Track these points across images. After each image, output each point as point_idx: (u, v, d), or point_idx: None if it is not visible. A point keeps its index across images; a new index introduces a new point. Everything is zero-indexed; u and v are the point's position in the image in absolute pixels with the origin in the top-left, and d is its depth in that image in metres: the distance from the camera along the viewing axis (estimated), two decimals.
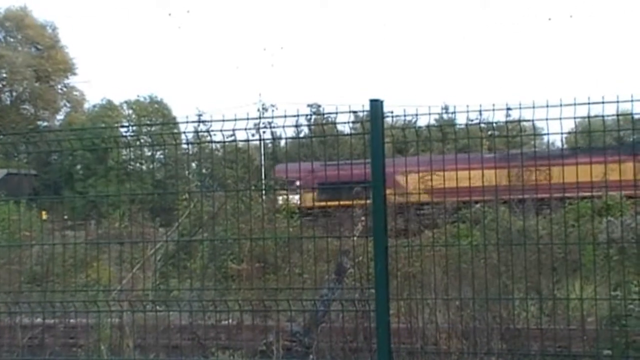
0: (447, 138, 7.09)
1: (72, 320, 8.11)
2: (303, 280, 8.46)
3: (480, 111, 6.09)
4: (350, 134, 6.16)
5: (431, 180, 7.25)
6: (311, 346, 8.34)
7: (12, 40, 65.32)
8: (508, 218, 9.91)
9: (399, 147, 7.37)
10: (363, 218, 9.44)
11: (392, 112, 5.94)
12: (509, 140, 7.15)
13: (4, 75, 62.43)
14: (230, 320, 8.40)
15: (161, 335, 7.45)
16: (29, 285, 8.50)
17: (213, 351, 8.51)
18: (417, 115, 6.16)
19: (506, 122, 6.58)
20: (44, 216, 13.81)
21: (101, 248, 8.12)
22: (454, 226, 9.22)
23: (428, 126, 6.31)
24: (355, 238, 7.76)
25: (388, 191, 5.63)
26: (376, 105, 5.56)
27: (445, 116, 13.53)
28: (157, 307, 6.72)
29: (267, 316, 7.22)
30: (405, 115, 6.38)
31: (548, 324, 7.47)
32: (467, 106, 6.06)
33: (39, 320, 8.13)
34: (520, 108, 5.83)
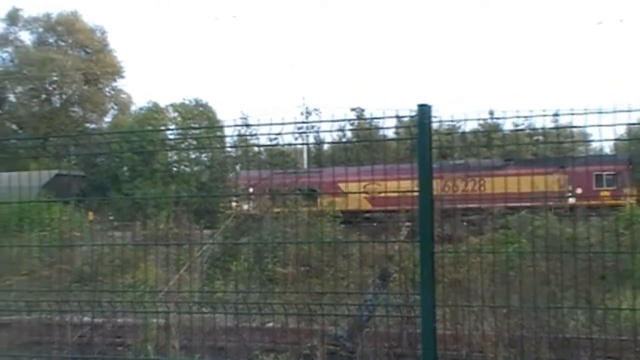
0: (492, 144, 7.03)
1: (119, 320, 8.20)
2: (347, 285, 8.43)
3: (526, 117, 6.02)
4: (397, 139, 6.13)
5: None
6: (355, 351, 8.31)
7: (62, 44, 66.49)
8: (556, 225, 9.77)
9: (443, 152, 7.32)
10: (408, 223, 9.38)
11: (438, 117, 5.90)
12: (561, 146, 7.09)
13: (55, 78, 63.53)
14: (274, 323, 8.42)
15: (206, 337, 7.49)
16: (77, 284, 8.61)
17: (257, 354, 8.53)
18: (466, 120, 6.10)
19: (557, 127, 6.49)
20: (91, 217, 14.01)
21: (147, 249, 8.21)
22: (498, 233, 9.14)
23: (477, 132, 6.28)
24: (399, 243, 7.71)
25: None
26: (424, 109, 5.50)
27: (487, 121, 13.44)
28: (203, 309, 6.75)
29: (312, 320, 7.21)
30: (455, 121, 6.33)
31: (598, 333, 7.34)
32: (518, 111, 5.98)
33: (86, 319, 8.23)
34: (572, 114, 5.73)
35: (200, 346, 7.63)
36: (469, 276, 6.89)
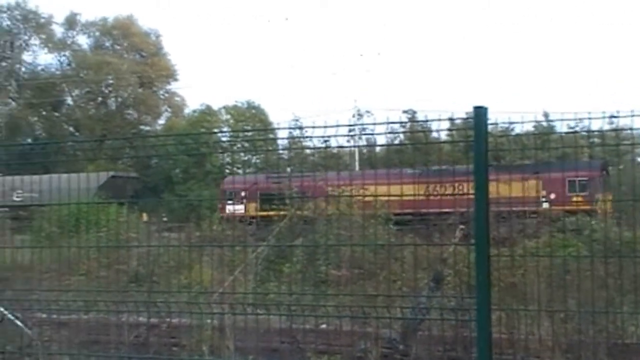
0: (545, 146, 6.93)
1: (174, 321, 8.28)
2: (399, 287, 8.38)
3: (580, 119, 5.93)
4: (452, 142, 6.08)
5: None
6: (408, 354, 8.26)
7: (118, 47, 67.64)
8: (613, 229, 9.58)
9: (495, 154, 7.25)
10: (462, 226, 9.30)
11: (494, 119, 5.83)
12: (618, 149, 6.97)
13: (111, 81, 64.64)
14: (327, 325, 8.42)
15: (260, 338, 7.52)
16: (133, 284, 8.73)
17: (309, 355, 8.53)
18: (523, 122, 6.02)
19: (615, 130, 6.37)
20: (145, 218, 14.20)
21: (201, 250, 8.28)
22: (552, 236, 9.00)
23: (534, 135, 6.19)
24: (453, 246, 7.65)
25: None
26: (480, 112, 5.44)
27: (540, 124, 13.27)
28: (257, 310, 6.78)
29: (366, 323, 7.19)
30: (510, 123, 6.26)
31: None
32: (575, 114, 5.89)
33: (141, 319, 8.33)
34: (632, 116, 5.61)
35: (254, 347, 7.67)
36: (525, 280, 6.79)
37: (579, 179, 21.46)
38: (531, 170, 7.21)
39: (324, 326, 8.14)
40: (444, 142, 6.38)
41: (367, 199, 8.22)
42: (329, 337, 8.47)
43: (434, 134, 6.63)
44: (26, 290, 7.16)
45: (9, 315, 6.54)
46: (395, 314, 6.67)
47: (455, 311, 6.45)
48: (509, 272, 7.09)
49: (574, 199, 22.40)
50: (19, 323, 6.50)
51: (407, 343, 8.32)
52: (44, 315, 7.42)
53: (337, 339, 8.24)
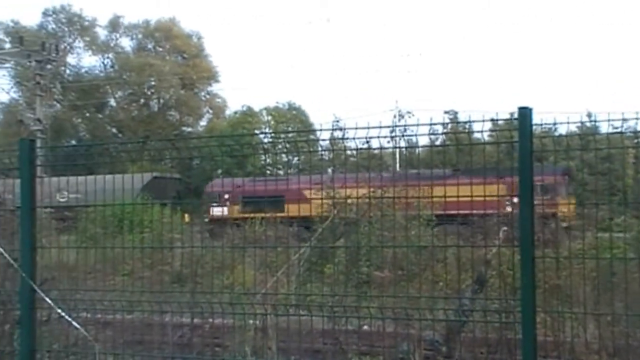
0: (588, 147, 6.84)
1: (217, 321, 8.33)
2: (439, 289, 8.33)
3: (626, 119, 5.83)
4: (496, 142, 6.02)
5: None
6: (451, 356, 8.20)
7: (160, 49, 68.38)
8: None
9: (539, 155, 7.17)
10: (505, 228, 9.22)
11: (539, 120, 5.76)
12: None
13: (153, 83, 65.35)
14: (368, 327, 8.38)
15: (303, 339, 7.52)
16: (175, 285, 8.80)
17: (351, 357, 8.52)
18: (567, 123, 5.93)
19: None
20: (187, 219, 14.31)
21: (242, 251, 8.31)
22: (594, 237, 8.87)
23: (578, 135, 6.10)
24: (496, 247, 7.57)
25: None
26: (525, 112, 5.38)
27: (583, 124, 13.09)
28: (300, 311, 6.78)
29: (409, 324, 7.15)
30: (554, 123, 6.17)
31: None
32: (622, 114, 5.79)
33: (184, 319, 8.39)
34: None
35: (296, 348, 7.68)
36: (570, 282, 6.69)
37: (540, 184, 22.13)
38: (497, 175, 7.49)
39: (365, 327, 8.12)
40: (488, 143, 6.32)
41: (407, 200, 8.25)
42: (371, 338, 8.45)
43: (476, 135, 6.58)
44: (71, 289, 7.27)
45: (64, 315, 6.63)
46: (437, 316, 6.62)
47: (499, 313, 6.39)
48: (553, 274, 6.99)
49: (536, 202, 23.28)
50: (74, 323, 6.59)
51: (449, 345, 8.26)
52: (88, 315, 7.51)
53: (379, 340, 8.21)
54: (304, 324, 7.07)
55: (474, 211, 6.66)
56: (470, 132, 7.06)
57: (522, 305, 5.39)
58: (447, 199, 6.52)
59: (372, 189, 8.39)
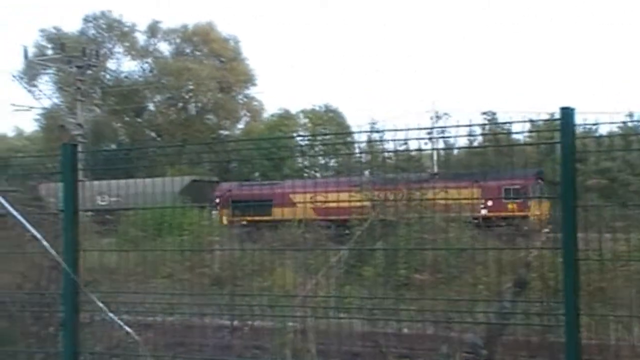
0: (633, 147, 6.72)
1: (256, 323, 8.35)
2: (479, 291, 8.25)
3: None
4: (540, 143, 5.95)
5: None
6: (491, 359, 8.11)
7: (198, 53, 68.87)
8: None
9: (581, 156, 7.07)
10: (547, 229, 9.11)
11: (581, 121, 5.68)
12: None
13: (191, 87, 65.85)
14: (409, 329, 8.34)
15: (342, 342, 7.51)
16: (214, 287, 8.84)
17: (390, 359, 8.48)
18: (610, 123, 5.85)
19: None
20: (225, 221, 14.38)
21: (281, 254, 8.33)
22: None
23: (620, 135, 6.01)
24: (535, 250, 7.49)
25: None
26: (567, 113, 5.30)
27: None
28: (340, 314, 6.77)
29: (448, 327, 7.10)
30: (595, 124, 6.09)
31: None
32: None
33: (222, 321, 8.42)
34: None
35: (336, 351, 7.66)
36: (614, 284, 6.58)
37: (514, 186, 22.63)
38: (471, 179, 7.68)
39: (405, 330, 8.09)
40: (530, 144, 6.26)
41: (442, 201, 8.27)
42: (410, 341, 8.40)
43: (515, 136, 6.51)
44: (113, 292, 7.34)
45: (114, 318, 6.71)
46: (478, 319, 6.56)
47: (541, 316, 6.31)
48: (597, 276, 6.88)
49: (509, 205, 23.72)
50: (124, 326, 6.66)
51: (490, 348, 8.17)
52: (129, 317, 7.58)
53: (419, 343, 8.17)
54: (344, 327, 7.06)
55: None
56: (509, 133, 7.00)
57: (565, 308, 5.32)
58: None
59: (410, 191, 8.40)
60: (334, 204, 7.34)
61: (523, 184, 23.11)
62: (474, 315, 6.64)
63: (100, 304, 6.47)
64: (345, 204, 8.86)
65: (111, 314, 6.57)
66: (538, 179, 25.57)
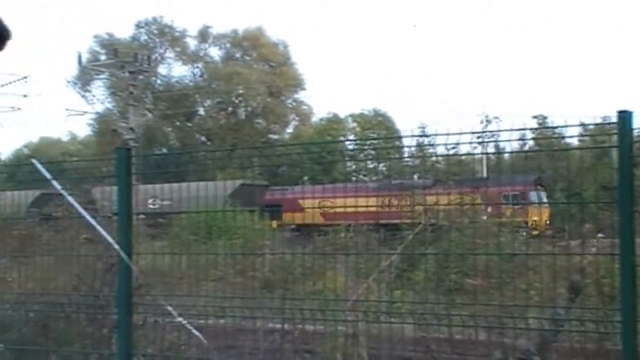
0: None
1: (308, 327, 8.35)
2: (531, 298, 8.14)
3: None
4: (596, 147, 5.86)
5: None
6: None
7: (248, 58, 69.42)
8: None
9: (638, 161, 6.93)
10: (601, 235, 8.95)
11: None
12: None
13: (241, 91, 66.37)
14: (460, 335, 8.25)
15: (394, 347, 7.47)
16: (264, 291, 8.88)
17: None
18: None
19: None
20: (274, 225, 14.47)
21: (331, 258, 8.31)
22: None
23: None
24: (591, 256, 7.35)
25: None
26: (625, 116, 5.20)
27: None
28: (392, 319, 6.74)
29: (502, 333, 7.01)
30: None
31: None
32: None
33: (271, 325, 8.45)
34: None
35: (387, 356, 7.62)
36: None
37: (513, 193, 22.80)
38: (471, 186, 7.76)
39: (458, 336, 8.00)
40: (586, 148, 6.16)
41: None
42: (462, 347, 8.32)
43: (568, 140, 6.42)
44: (165, 295, 7.42)
45: (181, 320, 6.80)
46: (531, 325, 6.46)
47: (597, 323, 6.20)
48: None
49: (508, 211, 24.06)
50: (192, 329, 6.75)
51: (544, 355, 8.05)
52: (181, 320, 7.65)
53: (471, 349, 8.08)
54: (395, 332, 7.02)
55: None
56: (562, 138, 6.89)
57: (622, 315, 5.22)
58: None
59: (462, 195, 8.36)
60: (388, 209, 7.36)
61: (522, 191, 23.52)
62: (527, 321, 6.54)
63: (171, 309, 6.55)
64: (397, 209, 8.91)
65: (180, 319, 6.64)
66: (537, 186, 25.97)
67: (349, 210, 7.68)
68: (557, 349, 7.71)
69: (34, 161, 7.65)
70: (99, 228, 6.52)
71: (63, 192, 7.44)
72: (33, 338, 8.00)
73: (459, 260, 9.35)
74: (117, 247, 6.61)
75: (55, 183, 7.34)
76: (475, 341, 7.79)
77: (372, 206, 9.22)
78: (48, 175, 7.36)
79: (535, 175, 22.42)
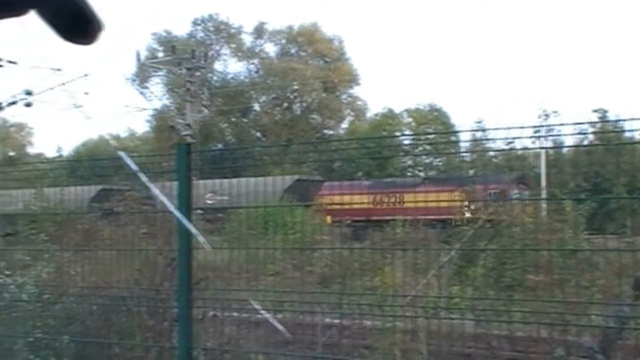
0: None
1: (366, 323, 8.33)
2: (592, 294, 7.99)
3: None
4: None
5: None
6: None
7: (303, 54, 69.54)
8: None
9: None
10: None
11: None
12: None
13: (295, 87, 66.56)
14: (521, 331, 8.15)
15: (453, 343, 7.41)
16: (320, 285, 8.89)
17: None
18: None
19: None
20: (329, 220, 14.45)
21: (388, 253, 8.28)
22: None
23: None
24: None
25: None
26: None
27: None
28: (451, 315, 6.68)
29: (564, 330, 6.89)
30: None
31: None
32: None
33: (328, 320, 8.44)
34: None
35: (447, 352, 7.56)
36: None
37: (495, 191, 23.13)
38: (457, 183, 7.78)
39: (519, 333, 7.90)
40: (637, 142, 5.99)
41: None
42: (523, 343, 8.21)
43: (630, 134, 6.26)
44: (223, 289, 7.47)
45: (263, 312, 6.86)
46: (597, 322, 6.35)
47: None
48: None
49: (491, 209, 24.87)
50: (278, 326, 6.80)
51: (607, 352, 7.89)
52: (237, 314, 7.71)
53: (532, 346, 7.96)
54: (455, 328, 6.95)
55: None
56: (622, 131, 6.74)
57: None
58: None
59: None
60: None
61: (504, 189, 24.00)
62: (590, 318, 6.42)
63: (255, 304, 6.59)
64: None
65: (264, 312, 6.68)
66: (520, 184, 26.18)
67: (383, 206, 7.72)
68: (621, 347, 7.56)
69: (121, 153, 7.76)
70: (185, 221, 6.56)
71: (149, 184, 7.54)
72: (96, 330, 8.14)
73: (517, 256, 9.23)
74: (203, 240, 6.67)
75: (141, 175, 7.43)
76: (536, 338, 7.67)
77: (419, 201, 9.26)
78: (135, 167, 7.46)
79: (517, 174, 23.93)
